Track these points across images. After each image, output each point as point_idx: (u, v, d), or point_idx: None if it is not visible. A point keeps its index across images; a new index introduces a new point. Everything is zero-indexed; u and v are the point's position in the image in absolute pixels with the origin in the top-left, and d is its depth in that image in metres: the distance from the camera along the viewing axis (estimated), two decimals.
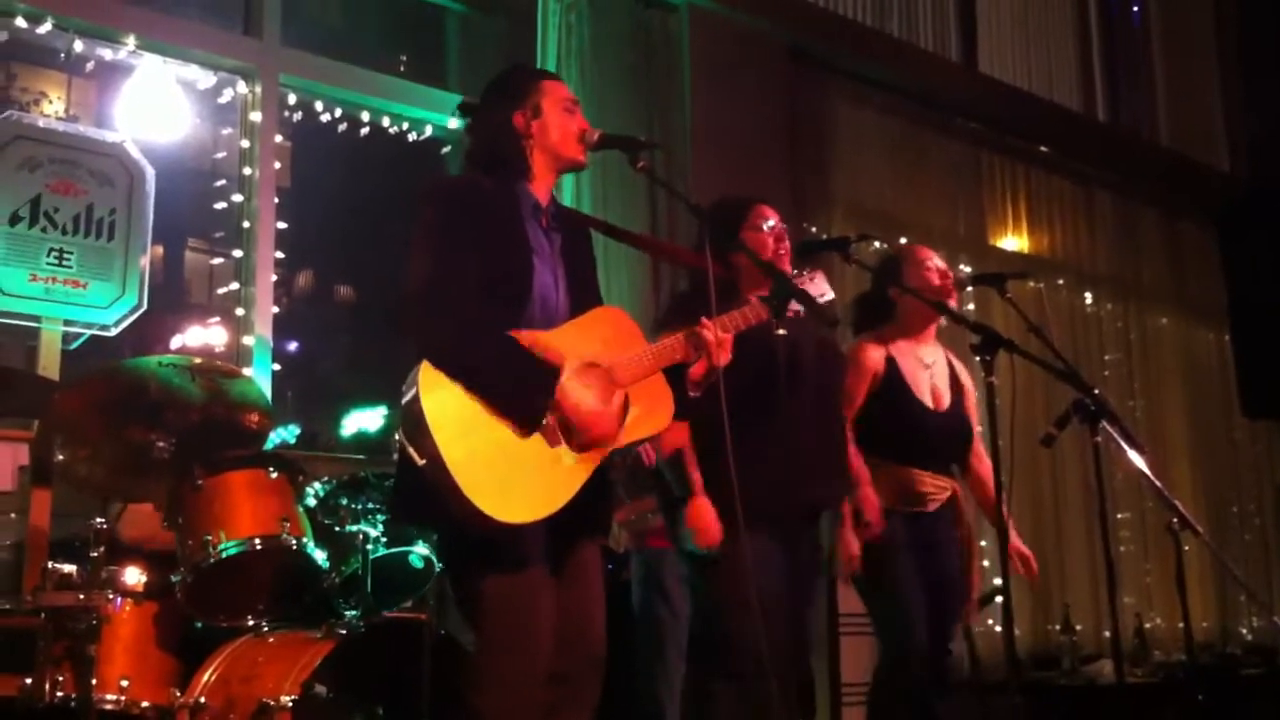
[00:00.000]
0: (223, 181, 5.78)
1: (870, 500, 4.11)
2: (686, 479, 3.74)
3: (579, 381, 3.03)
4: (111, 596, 3.73)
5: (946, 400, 4.40)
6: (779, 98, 6.80)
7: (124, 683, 3.70)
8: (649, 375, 3.17)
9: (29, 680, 3.58)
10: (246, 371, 5.04)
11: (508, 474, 2.91)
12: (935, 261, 4.43)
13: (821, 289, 3.55)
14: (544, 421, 2.97)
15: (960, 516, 4.39)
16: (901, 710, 4.20)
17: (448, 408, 2.90)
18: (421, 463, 2.88)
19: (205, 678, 3.79)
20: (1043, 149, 8.58)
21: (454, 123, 6.27)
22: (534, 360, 2.99)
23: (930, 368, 4.42)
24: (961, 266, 7.63)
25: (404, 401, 2.94)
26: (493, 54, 6.57)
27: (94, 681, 3.56)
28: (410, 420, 2.92)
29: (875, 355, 4.34)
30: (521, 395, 2.96)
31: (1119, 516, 8.18)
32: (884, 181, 7.54)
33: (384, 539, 4.08)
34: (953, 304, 4.32)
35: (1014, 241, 8.39)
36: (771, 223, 3.95)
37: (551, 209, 3.30)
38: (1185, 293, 9.39)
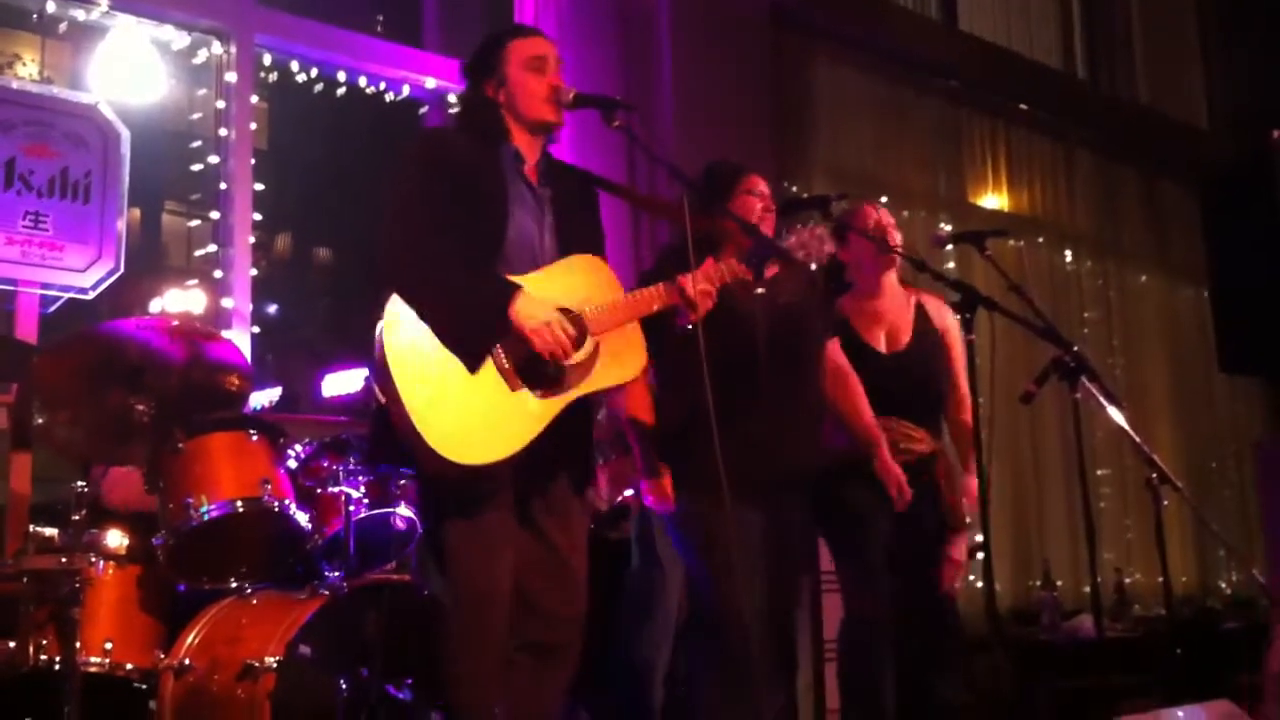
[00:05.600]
0: (199, 143, 5.74)
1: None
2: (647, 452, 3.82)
3: (538, 300, 3.04)
4: (94, 560, 3.73)
5: (905, 341, 4.37)
6: (759, 56, 6.75)
7: (108, 645, 3.71)
8: (623, 323, 3.18)
9: (12, 644, 3.59)
10: (225, 334, 5.03)
11: (465, 415, 2.94)
12: (878, 216, 4.40)
13: (823, 246, 3.51)
14: (504, 364, 3.01)
15: (940, 476, 4.33)
16: (863, 669, 4.20)
17: (409, 348, 2.96)
18: (382, 400, 2.93)
19: (189, 639, 3.79)
20: (1022, 107, 8.56)
21: (431, 82, 6.24)
22: (493, 279, 3.03)
23: (883, 316, 4.41)
24: (942, 225, 7.63)
25: (374, 343, 3.00)
26: (470, 13, 6.52)
27: (78, 645, 3.55)
28: (376, 359, 2.98)
29: None
30: (478, 313, 3.01)
31: (1099, 473, 8.23)
32: (864, 141, 7.52)
33: (366, 500, 4.08)
34: (893, 246, 4.30)
35: (994, 200, 8.39)
36: (762, 190, 3.96)
37: (542, 165, 3.32)
38: (1165, 250, 9.41)
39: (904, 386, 4.33)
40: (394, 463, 3.63)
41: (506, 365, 3.02)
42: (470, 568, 3.06)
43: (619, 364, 3.17)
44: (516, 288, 3.02)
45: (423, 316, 2.99)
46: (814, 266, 3.56)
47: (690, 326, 3.25)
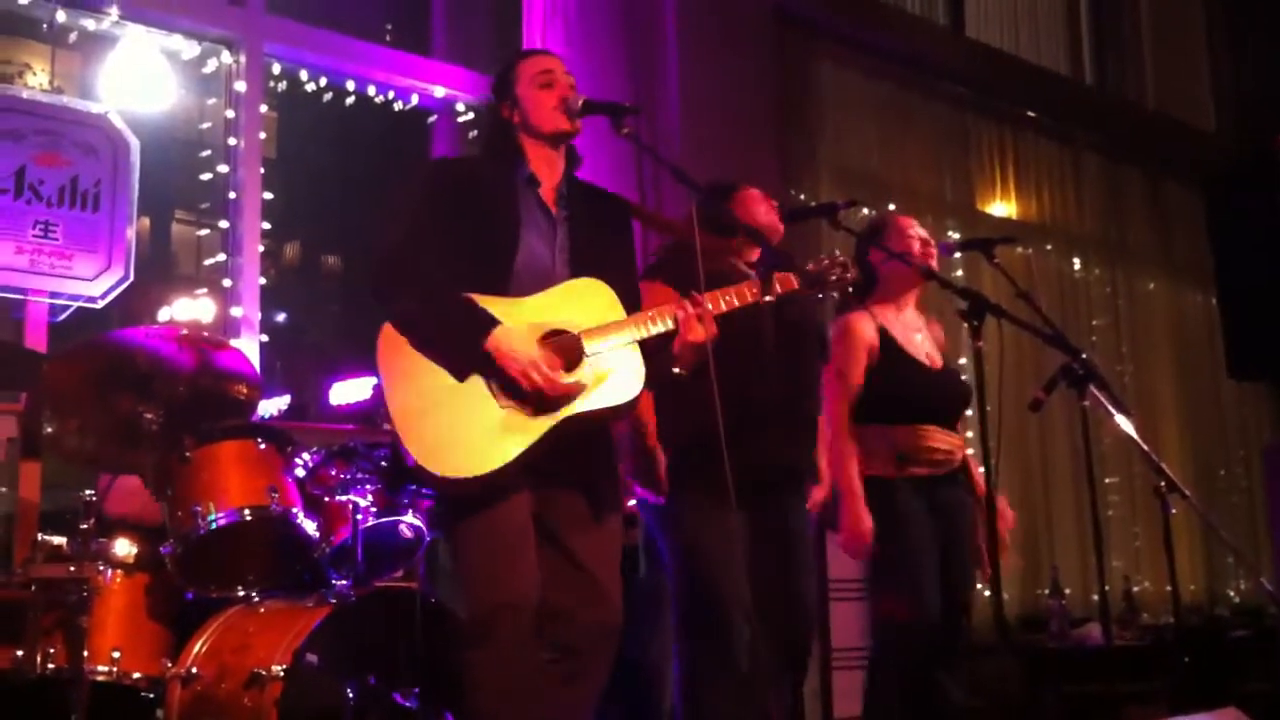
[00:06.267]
0: (208, 152, 5.76)
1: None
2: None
3: (521, 335, 3.05)
4: (102, 568, 3.74)
5: (940, 361, 4.39)
6: (765, 61, 6.75)
7: (116, 654, 3.71)
8: (620, 346, 3.16)
9: (20, 652, 3.60)
10: (234, 342, 5.03)
11: (452, 429, 3.00)
12: (917, 230, 4.41)
13: (845, 274, 3.51)
14: (492, 384, 3.04)
15: (974, 480, 4.34)
16: (904, 681, 4.18)
17: (401, 361, 3.04)
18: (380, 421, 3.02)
19: (197, 648, 3.80)
20: (1030, 113, 8.56)
21: (440, 91, 6.26)
22: (474, 311, 3.05)
23: (915, 330, 4.42)
24: (950, 232, 7.63)
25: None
26: (479, 21, 6.54)
27: (85, 653, 3.57)
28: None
29: (867, 329, 4.25)
30: (457, 340, 3.05)
31: (1107, 480, 8.21)
32: (871, 146, 7.52)
33: (374, 508, 4.09)
34: (933, 271, 4.31)
35: (1002, 206, 8.38)
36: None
37: (562, 188, 3.33)
38: (1173, 256, 9.39)
39: (948, 399, 4.33)
40: (410, 484, 3.68)
41: (494, 385, 3.04)
42: (478, 573, 3.07)
43: (615, 386, 3.15)
44: (494, 323, 3.03)
45: (409, 341, 3.06)
46: (836, 296, 3.56)
47: (685, 371, 3.25)
